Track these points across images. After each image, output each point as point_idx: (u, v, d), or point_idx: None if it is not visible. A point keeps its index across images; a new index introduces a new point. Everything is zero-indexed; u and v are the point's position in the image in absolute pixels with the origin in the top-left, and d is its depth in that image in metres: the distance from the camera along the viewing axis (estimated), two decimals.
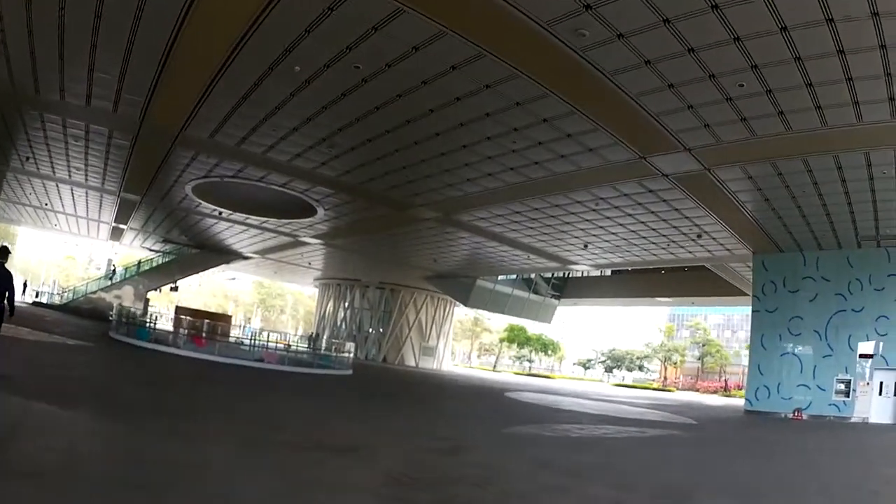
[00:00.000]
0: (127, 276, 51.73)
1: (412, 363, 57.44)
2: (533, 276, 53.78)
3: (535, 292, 55.99)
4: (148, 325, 29.61)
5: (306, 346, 39.41)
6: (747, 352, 77.26)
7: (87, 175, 30.88)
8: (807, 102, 14.89)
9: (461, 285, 50.42)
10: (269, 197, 30.74)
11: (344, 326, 58.87)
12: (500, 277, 51.48)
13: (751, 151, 18.30)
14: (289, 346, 31.11)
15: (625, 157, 19.72)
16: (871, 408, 25.73)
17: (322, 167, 24.28)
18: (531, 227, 30.30)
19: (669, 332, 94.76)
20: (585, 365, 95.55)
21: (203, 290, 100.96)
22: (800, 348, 28.07)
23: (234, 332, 36.52)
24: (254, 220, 36.65)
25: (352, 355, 34.06)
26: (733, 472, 10.67)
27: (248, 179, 27.37)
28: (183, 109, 19.92)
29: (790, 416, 27.20)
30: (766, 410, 28.10)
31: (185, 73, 17.21)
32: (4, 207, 46.39)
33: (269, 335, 36.43)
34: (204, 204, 33.79)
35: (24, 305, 42.11)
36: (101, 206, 38.78)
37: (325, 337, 51.64)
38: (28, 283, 56.75)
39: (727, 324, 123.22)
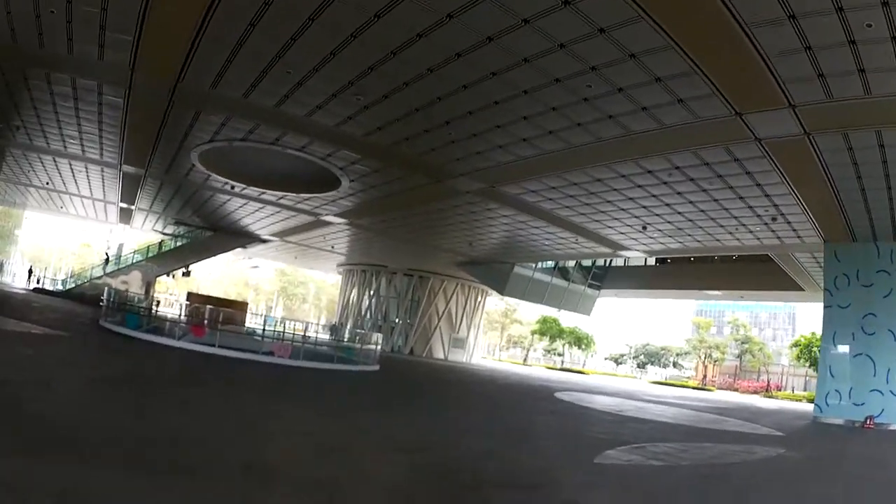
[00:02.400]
0: (132, 261, 48.71)
1: (441, 355, 54.46)
2: (572, 264, 50.01)
3: (574, 281, 51.87)
4: (140, 311, 25.80)
5: (328, 336, 35.94)
6: (787, 351, 77.60)
7: (82, 145, 27.75)
8: None
9: (497, 272, 46.34)
10: (287, 167, 27.30)
11: (369, 315, 55.86)
12: (537, 265, 47.55)
13: (859, 115, 15.15)
14: (306, 336, 27.06)
15: (718, 114, 15.93)
16: None
17: (347, 123, 20.18)
18: (587, 204, 26.28)
19: (707, 327, 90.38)
20: (617, 360, 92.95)
21: (224, 278, 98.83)
22: (873, 349, 24.68)
23: (254, 322, 33.33)
24: (270, 195, 32.91)
25: (379, 347, 30.07)
26: None
27: (260, 142, 23.53)
28: (177, 50, 16.22)
29: (862, 424, 23.90)
30: (837, 418, 24.96)
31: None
32: (8, 189, 44.12)
33: (281, 323, 32.85)
34: (214, 177, 30.22)
35: (22, 292, 40.09)
36: (103, 183, 35.93)
37: (348, 327, 48.24)
38: (34, 270, 54.20)
39: (754, 321, 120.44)
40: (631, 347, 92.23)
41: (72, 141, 27.46)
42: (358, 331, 40.94)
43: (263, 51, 15.72)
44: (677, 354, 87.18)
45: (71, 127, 25.23)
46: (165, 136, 24.22)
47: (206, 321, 24.80)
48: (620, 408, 23.87)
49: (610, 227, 29.58)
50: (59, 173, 35.44)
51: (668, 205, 24.77)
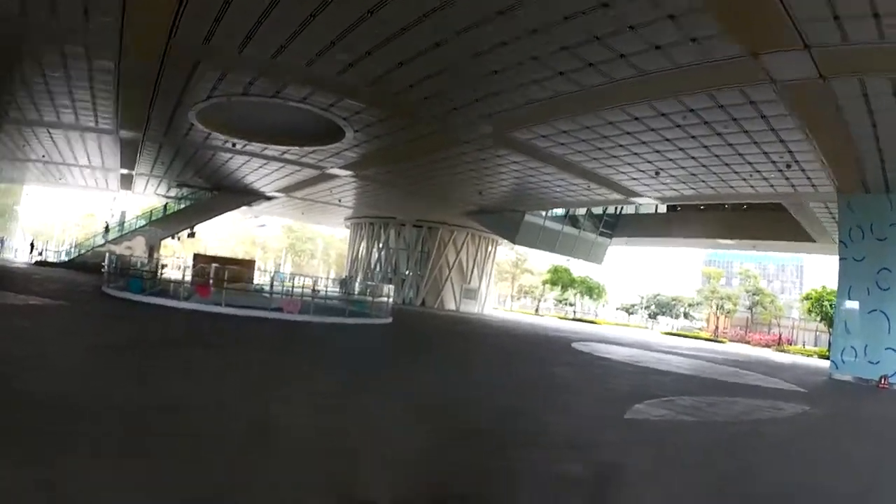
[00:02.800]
0: (135, 226, 48.17)
1: (452, 307, 54.07)
2: (583, 212, 49.12)
3: (585, 230, 51.03)
4: (143, 275, 25.25)
5: (338, 290, 35.40)
6: (797, 304, 76.60)
7: (76, 114, 27.03)
8: None
9: (508, 221, 45.48)
10: (289, 120, 26.40)
11: (378, 269, 55.31)
12: (548, 213, 46.75)
13: (874, 61, 14.53)
14: (315, 290, 26.51)
15: (732, 54, 15.12)
16: None
17: (349, 70, 19.21)
18: (599, 149, 25.35)
19: (717, 277, 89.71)
20: (629, 310, 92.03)
21: (231, 237, 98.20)
22: (888, 305, 24.03)
23: (263, 279, 32.76)
24: (273, 150, 32.02)
25: (391, 300, 29.55)
26: None
27: (259, 96, 22.61)
28: (166, 8, 15.43)
29: (877, 384, 23.35)
30: (852, 375, 24.51)
31: None
32: (4, 166, 43.34)
33: (287, 278, 32.28)
34: (214, 135, 29.41)
35: (24, 266, 39.81)
36: (101, 150, 35.21)
37: (358, 280, 47.77)
38: (35, 244, 54.06)
39: (763, 273, 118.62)
40: (642, 297, 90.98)
41: (65, 110, 26.71)
42: (368, 283, 40.32)
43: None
44: (689, 305, 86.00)
45: (63, 96, 24.50)
46: (161, 96, 23.36)
47: (211, 280, 24.21)
48: (639, 359, 23.40)
49: (622, 172, 28.73)
50: (56, 145, 34.72)
51: (681, 149, 23.95)
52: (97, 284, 26.45)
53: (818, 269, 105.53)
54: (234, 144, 31.07)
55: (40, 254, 51.35)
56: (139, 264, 27.49)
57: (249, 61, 19.14)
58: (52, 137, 32.86)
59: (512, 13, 14.42)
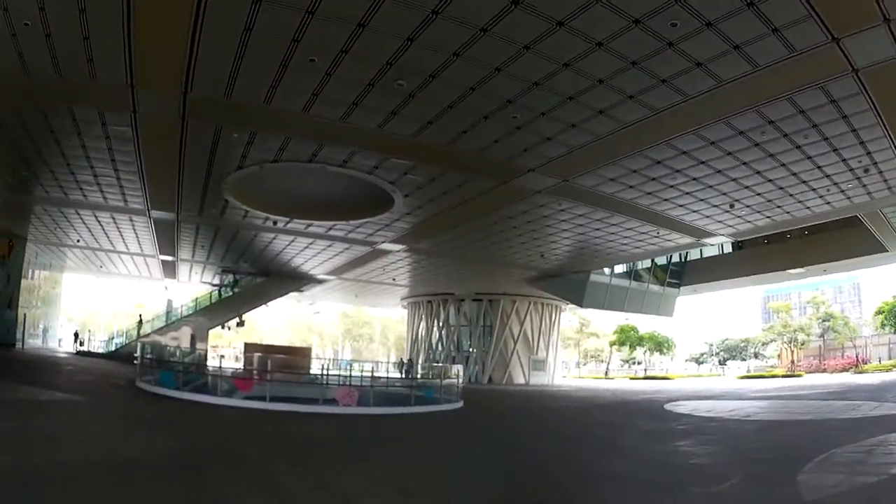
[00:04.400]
0: (180, 315, 46.89)
1: (521, 380, 50.81)
2: (647, 265, 46.34)
3: (651, 283, 47.91)
4: (178, 367, 22.71)
5: (399, 375, 32.54)
6: (867, 321, 73.67)
7: (102, 191, 25.47)
8: None
9: (572, 284, 42.54)
10: (331, 191, 24.57)
11: (440, 347, 52.62)
12: (613, 271, 43.98)
13: None
14: (374, 376, 23.78)
15: (814, 42, 12.92)
16: None
17: (392, 120, 16.86)
18: (671, 186, 22.90)
19: (787, 310, 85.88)
20: (698, 360, 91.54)
21: (285, 326, 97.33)
22: None
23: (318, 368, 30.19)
24: (317, 226, 29.87)
25: (460, 381, 26.62)
26: None
27: (294, 161, 20.44)
28: (176, 53, 13.46)
29: None
30: None
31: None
32: (39, 251, 42.45)
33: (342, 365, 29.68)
34: (252, 213, 27.50)
35: (64, 356, 39.78)
36: (136, 234, 33.87)
37: (420, 362, 45.03)
38: (79, 334, 53.20)
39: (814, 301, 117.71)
40: (710, 345, 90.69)
41: (89, 188, 25.27)
42: (435, 364, 37.42)
43: (277, 33, 12.63)
44: (763, 344, 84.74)
45: (83, 170, 23.00)
46: (188, 166, 21.51)
47: (254, 373, 21.69)
48: (745, 412, 21.80)
49: (694, 211, 26.28)
50: (89, 228, 33.60)
51: (758, 172, 21.67)
52: (133, 377, 24.15)
53: (877, 283, 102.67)
54: (275, 223, 29.11)
55: (81, 343, 50.19)
56: (178, 355, 24.88)
57: (278, 117, 16.99)
58: (82, 220, 31.54)
59: (573, 22, 12.18)
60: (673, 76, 14.33)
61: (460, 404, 23.67)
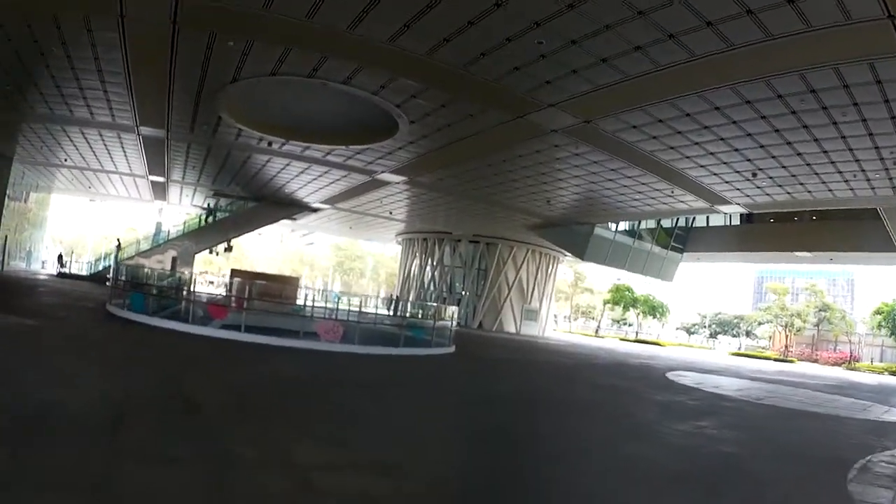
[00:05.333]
0: (165, 238, 45.92)
1: (512, 329, 50.19)
2: (651, 226, 45.32)
3: (655, 245, 46.70)
4: (151, 291, 21.14)
5: (387, 312, 31.00)
6: (862, 318, 73.34)
7: (88, 105, 24.07)
8: None
9: (575, 235, 41.17)
10: (332, 113, 22.96)
11: (432, 288, 51.69)
12: (617, 227, 42.82)
13: None
14: (362, 312, 22.39)
15: (869, 14, 11.87)
16: None
17: (406, 33, 15.05)
18: (696, 143, 21.39)
19: (784, 293, 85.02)
20: (689, 330, 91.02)
21: (278, 255, 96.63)
22: None
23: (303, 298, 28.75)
24: (315, 149, 28.16)
25: (454, 323, 25.29)
26: None
27: (294, 74, 18.67)
28: None
29: None
30: None
31: None
32: (26, 171, 41.48)
33: (330, 297, 28.34)
34: (246, 131, 25.84)
35: (44, 278, 39.30)
36: (125, 152, 32.48)
37: (409, 300, 44.16)
38: (63, 256, 51.99)
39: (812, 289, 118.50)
40: (703, 317, 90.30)
41: (75, 102, 23.82)
42: (428, 304, 35.93)
43: None
44: (759, 323, 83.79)
45: (69, 83, 21.54)
46: (179, 77, 19.81)
47: (232, 299, 20.32)
48: (753, 394, 20.37)
49: (715, 173, 24.92)
50: (75, 146, 32.43)
51: (788, 143, 20.39)
52: (106, 301, 22.71)
53: (871, 281, 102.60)
54: (269, 143, 27.52)
55: (63, 265, 49.39)
56: (154, 278, 23.30)
57: (277, 23, 15.17)
58: (69, 137, 30.31)
59: None
60: (720, 20, 12.80)
61: (452, 349, 22.34)
